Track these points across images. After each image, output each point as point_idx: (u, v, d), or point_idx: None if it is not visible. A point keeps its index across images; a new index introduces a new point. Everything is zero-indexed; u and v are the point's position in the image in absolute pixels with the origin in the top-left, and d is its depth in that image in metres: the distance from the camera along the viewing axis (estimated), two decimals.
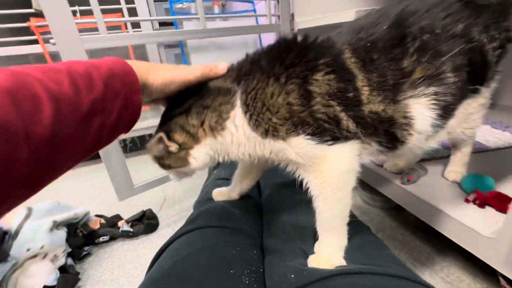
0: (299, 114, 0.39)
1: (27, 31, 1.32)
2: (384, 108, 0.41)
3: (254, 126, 0.41)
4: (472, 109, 0.56)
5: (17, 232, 0.74)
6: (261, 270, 0.49)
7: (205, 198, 0.74)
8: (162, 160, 0.47)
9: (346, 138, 0.41)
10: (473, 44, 0.44)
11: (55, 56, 1.37)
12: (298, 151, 0.41)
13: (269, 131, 0.41)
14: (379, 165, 0.85)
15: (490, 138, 0.94)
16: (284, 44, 0.43)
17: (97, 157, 0.84)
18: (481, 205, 0.63)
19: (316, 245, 0.48)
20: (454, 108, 0.47)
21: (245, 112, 0.42)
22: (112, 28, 1.30)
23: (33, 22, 1.27)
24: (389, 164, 0.83)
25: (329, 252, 0.46)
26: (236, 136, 0.43)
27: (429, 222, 0.69)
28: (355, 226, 0.55)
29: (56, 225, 0.81)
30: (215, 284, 0.41)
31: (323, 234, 0.47)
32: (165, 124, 0.46)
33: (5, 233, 0.71)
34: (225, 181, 0.78)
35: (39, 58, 1.57)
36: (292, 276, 0.41)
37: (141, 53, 1.55)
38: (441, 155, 0.86)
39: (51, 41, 0.65)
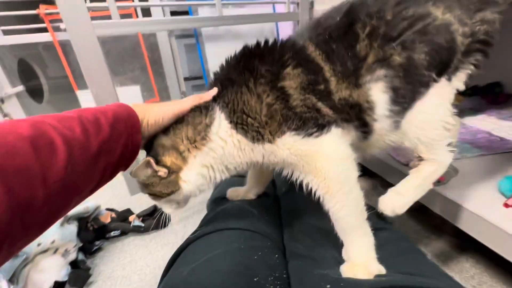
0: (280, 112, 0.41)
1: (36, 18, 1.29)
2: (350, 94, 0.43)
3: (242, 134, 0.43)
4: (430, 104, 0.46)
5: None
6: (285, 276, 0.46)
7: (219, 197, 0.71)
8: (152, 188, 0.46)
9: (329, 125, 0.42)
10: (435, 23, 0.41)
11: (65, 46, 1.34)
12: (288, 151, 0.42)
13: (255, 137, 0.42)
14: (405, 164, 0.80)
15: None
16: (248, 52, 0.46)
17: None
18: None
19: (343, 252, 0.45)
20: (407, 94, 0.44)
21: (231, 123, 0.43)
22: (122, 17, 1.25)
23: (42, 9, 1.23)
24: (415, 162, 0.78)
25: (361, 257, 0.42)
26: (227, 148, 0.44)
27: (462, 227, 0.64)
28: (385, 230, 0.51)
29: (67, 219, 0.79)
30: None
31: (346, 238, 0.44)
32: (151, 150, 0.47)
33: None
34: (240, 178, 0.74)
35: (48, 47, 1.54)
36: (328, 286, 0.37)
37: (151, 43, 1.51)
38: (473, 155, 0.80)
39: (61, 26, 0.61)
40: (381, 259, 0.42)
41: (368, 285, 0.36)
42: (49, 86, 1.64)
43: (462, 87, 0.47)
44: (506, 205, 0.60)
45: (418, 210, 0.94)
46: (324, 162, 0.42)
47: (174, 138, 0.45)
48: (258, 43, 0.46)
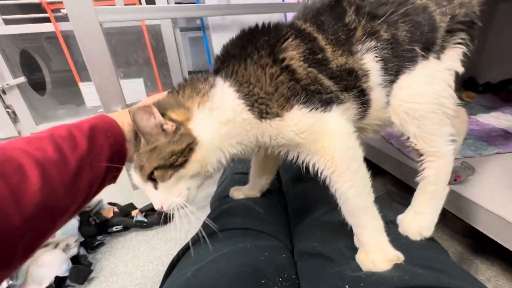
0: (287, 84, 0.41)
1: (38, 8, 1.26)
2: (346, 61, 0.44)
3: (249, 107, 0.41)
4: (418, 80, 0.45)
5: None
6: (293, 276, 0.44)
7: (223, 195, 0.69)
8: (160, 152, 0.38)
9: (332, 102, 0.42)
10: (413, 4, 0.44)
11: (67, 38, 1.31)
12: (295, 127, 0.41)
13: (263, 111, 0.40)
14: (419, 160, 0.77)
15: None
16: (248, 31, 0.45)
17: None
18: None
19: (355, 239, 0.43)
20: (394, 66, 0.45)
21: (236, 92, 0.41)
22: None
23: None
24: (415, 158, 0.75)
25: (374, 241, 0.40)
26: (233, 122, 0.41)
27: (480, 227, 0.61)
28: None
29: None
30: None
31: (356, 222, 0.42)
32: None
33: None
34: (243, 175, 0.72)
35: (51, 40, 1.52)
36: (346, 287, 0.35)
37: (156, 36, 1.48)
38: (489, 153, 0.77)
39: (62, 11, 0.58)
40: (401, 250, 0.40)
41: (389, 285, 0.33)
42: (52, 79, 1.62)
43: (459, 68, 0.46)
44: None
45: None
46: (330, 140, 0.41)
47: (177, 97, 0.42)
48: (256, 25, 0.46)
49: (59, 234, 0.71)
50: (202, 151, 0.40)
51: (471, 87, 1.35)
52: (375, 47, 0.44)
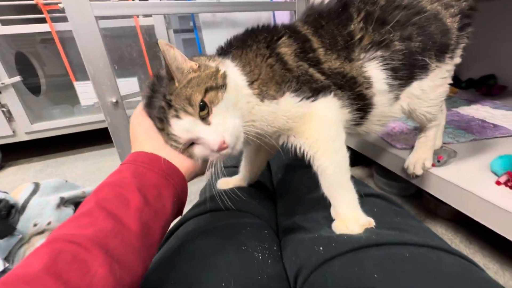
0: (279, 72, 0.43)
1: (34, 9, 1.29)
2: (342, 65, 0.46)
3: (250, 85, 0.43)
4: (432, 82, 0.53)
5: (24, 207, 0.72)
6: (275, 248, 0.47)
7: (211, 185, 0.71)
8: (201, 76, 0.37)
9: (324, 90, 0.45)
10: (425, 14, 0.47)
11: (63, 39, 1.34)
12: (288, 113, 0.44)
13: (263, 91, 0.43)
14: (402, 148, 0.81)
15: None
16: (250, 29, 0.49)
17: (106, 141, 0.82)
18: None
19: (332, 211, 0.47)
20: (406, 73, 0.49)
21: (241, 71, 0.43)
22: None
23: (40, 0, 1.23)
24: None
25: (348, 211, 0.45)
26: (238, 92, 0.41)
27: (457, 206, 0.64)
28: (380, 197, 0.52)
29: (64, 202, 0.79)
30: (228, 260, 0.39)
31: (333, 195, 0.46)
32: None
33: (12, 206, 0.69)
34: (233, 169, 0.75)
35: (47, 44, 1.54)
36: (321, 248, 0.38)
37: (150, 37, 1.51)
38: (466, 140, 0.82)
39: (59, 5, 0.62)
40: (373, 216, 0.44)
41: (358, 242, 0.36)
42: (46, 81, 1.63)
43: (459, 60, 0.54)
44: (498, 183, 0.61)
45: (414, 196, 0.95)
46: (317, 122, 0.45)
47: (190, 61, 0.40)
48: (257, 25, 0.50)
49: (54, 221, 0.73)
50: (232, 84, 0.40)
51: (454, 83, 1.41)
52: (382, 56, 0.47)
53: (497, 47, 1.29)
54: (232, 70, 0.42)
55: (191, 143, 0.38)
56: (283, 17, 1.24)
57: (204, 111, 0.36)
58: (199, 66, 0.39)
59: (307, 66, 0.45)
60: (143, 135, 0.38)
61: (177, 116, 0.36)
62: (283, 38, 0.46)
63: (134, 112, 0.41)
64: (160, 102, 0.37)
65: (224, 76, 0.39)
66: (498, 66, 1.32)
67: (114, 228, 0.27)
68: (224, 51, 0.47)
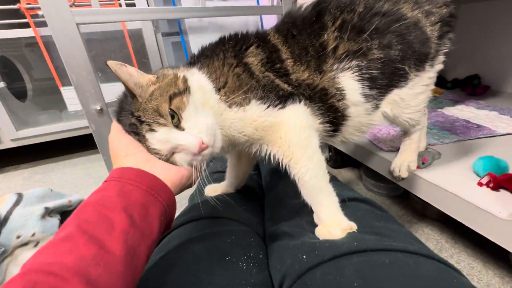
0: (246, 81, 0.43)
1: (17, 13, 1.26)
2: (311, 76, 0.46)
3: (217, 92, 0.43)
4: (412, 91, 0.53)
5: (6, 219, 0.70)
6: (261, 256, 0.47)
7: (200, 191, 0.71)
8: (162, 85, 0.37)
9: (292, 97, 0.45)
10: (405, 21, 0.47)
11: (47, 43, 1.31)
12: (255, 123, 0.43)
13: (229, 97, 0.42)
14: (388, 150, 0.82)
15: (499, 124, 0.92)
16: (222, 38, 0.49)
17: (95, 146, 0.80)
18: (495, 188, 0.60)
19: (315, 217, 0.47)
20: (385, 82, 0.49)
21: (208, 78, 0.43)
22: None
23: (23, 4, 1.21)
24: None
25: (330, 216, 0.45)
26: (204, 93, 0.42)
27: (441, 207, 0.66)
28: (364, 201, 0.53)
29: (49, 212, 0.77)
30: (210, 271, 0.39)
31: (314, 201, 0.46)
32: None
33: None
34: (221, 174, 0.75)
35: (32, 48, 1.51)
36: (304, 256, 0.38)
37: (138, 40, 1.50)
38: (450, 140, 0.83)
39: (39, 12, 0.60)
40: (355, 220, 0.44)
41: (339, 250, 0.37)
42: (33, 86, 1.60)
43: (441, 67, 0.55)
44: (480, 184, 0.62)
45: (401, 197, 0.96)
46: (287, 132, 0.44)
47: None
48: (229, 34, 0.50)
49: (39, 232, 0.72)
50: (195, 86, 0.40)
51: (440, 83, 1.43)
52: (358, 66, 0.46)
53: (482, 47, 1.32)
54: (198, 77, 0.43)
55: (173, 153, 0.38)
56: (270, 21, 1.24)
57: (174, 119, 0.36)
58: (157, 77, 0.39)
59: (273, 77, 0.45)
60: (123, 152, 0.37)
61: (152, 130, 0.36)
62: (251, 48, 0.46)
63: (111, 129, 0.40)
64: (130, 119, 0.37)
65: (184, 80, 0.39)
66: (482, 66, 1.35)
67: (96, 255, 0.25)
68: (195, 60, 0.47)
